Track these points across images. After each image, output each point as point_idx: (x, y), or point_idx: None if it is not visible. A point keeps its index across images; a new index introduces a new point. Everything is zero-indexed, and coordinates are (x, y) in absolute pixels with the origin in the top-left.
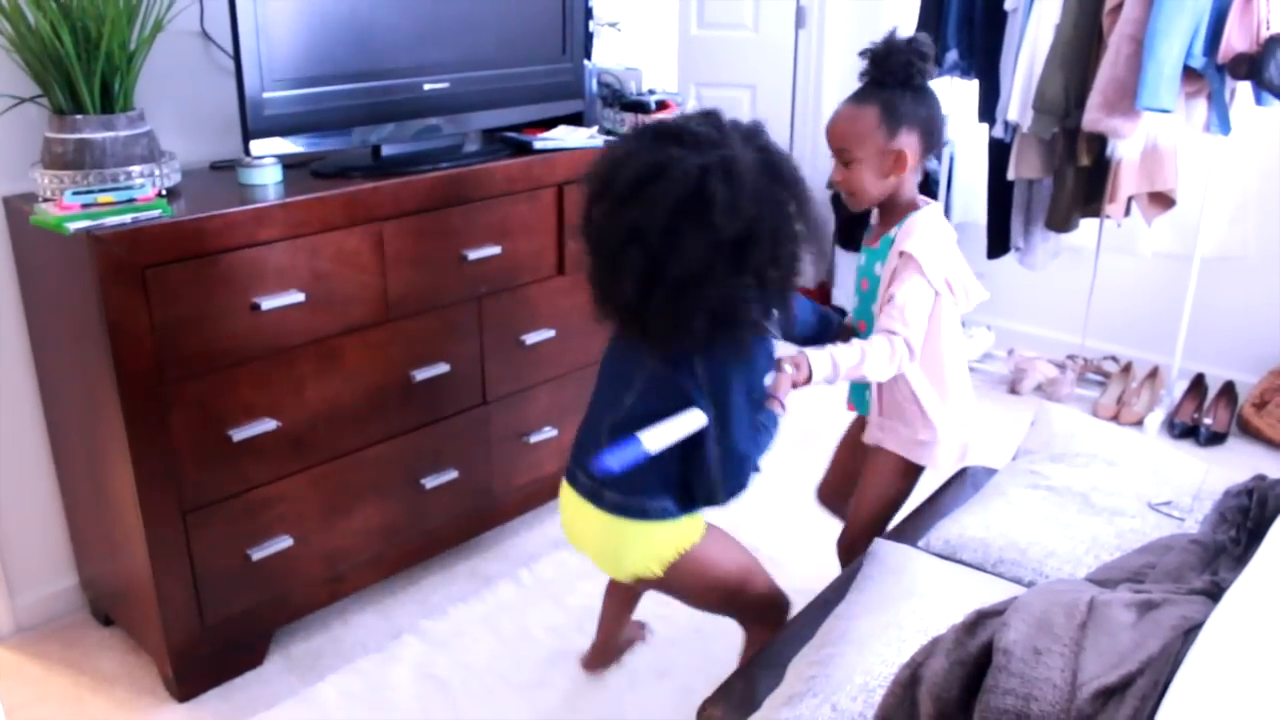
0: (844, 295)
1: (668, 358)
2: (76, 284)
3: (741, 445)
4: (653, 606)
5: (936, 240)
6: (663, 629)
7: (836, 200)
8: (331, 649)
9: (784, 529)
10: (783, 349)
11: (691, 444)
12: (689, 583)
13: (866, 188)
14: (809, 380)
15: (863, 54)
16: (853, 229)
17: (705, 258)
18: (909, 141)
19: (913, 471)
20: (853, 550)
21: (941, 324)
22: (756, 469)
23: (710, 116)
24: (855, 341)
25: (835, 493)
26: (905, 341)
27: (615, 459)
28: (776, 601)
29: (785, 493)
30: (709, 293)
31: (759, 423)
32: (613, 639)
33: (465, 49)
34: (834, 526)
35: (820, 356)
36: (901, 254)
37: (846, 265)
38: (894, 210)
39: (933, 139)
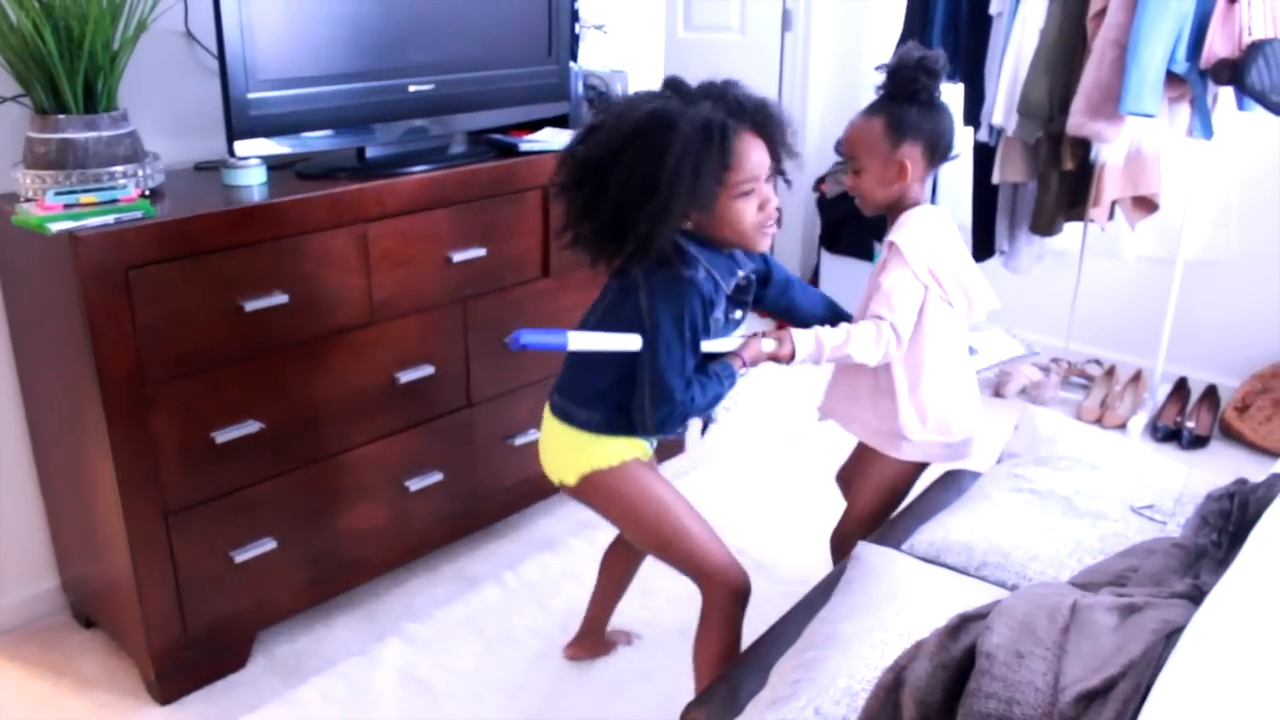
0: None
1: (622, 287)
2: (58, 285)
3: (667, 376)
4: (637, 610)
5: (926, 235)
6: (647, 633)
7: (821, 203)
8: (315, 651)
9: (770, 530)
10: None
11: (631, 369)
12: (604, 507)
13: (872, 194)
14: (792, 356)
15: (878, 69)
16: (837, 233)
17: (643, 184)
18: (912, 153)
19: (909, 471)
20: (844, 544)
21: (925, 319)
22: (704, 415)
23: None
24: (843, 325)
25: (847, 480)
26: (891, 326)
27: (531, 337)
28: (722, 575)
29: (772, 494)
30: (640, 214)
31: (712, 372)
32: (598, 624)
33: (451, 51)
34: (820, 528)
35: (805, 334)
36: (889, 245)
37: (829, 266)
38: (899, 216)
39: (937, 152)
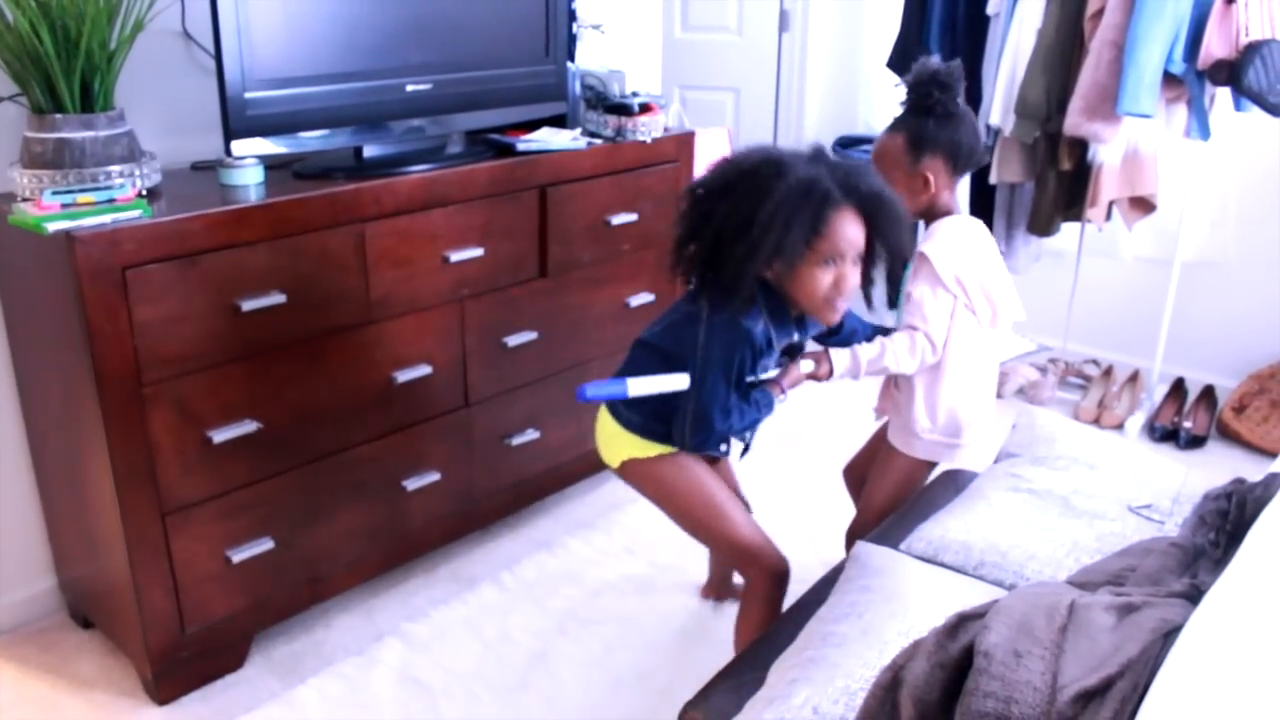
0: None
1: (689, 312)
2: (55, 285)
3: (709, 409)
4: (634, 609)
5: (954, 245)
6: (645, 632)
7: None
8: (313, 651)
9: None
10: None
11: (676, 393)
12: (646, 491)
13: (905, 204)
14: (830, 374)
15: (898, 85)
16: None
17: (740, 223)
18: (934, 165)
19: (921, 468)
20: (858, 538)
21: (951, 327)
22: (741, 437)
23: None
24: (878, 338)
25: (854, 476)
26: (925, 335)
27: (595, 389)
28: (759, 559)
29: (770, 494)
30: (732, 250)
31: (752, 399)
32: (725, 575)
33: (448, 50)
34: (819, 527)
35: (841, 352)
36: (919, 255)
37: None
38: (931, 225)
39: (959, 160)
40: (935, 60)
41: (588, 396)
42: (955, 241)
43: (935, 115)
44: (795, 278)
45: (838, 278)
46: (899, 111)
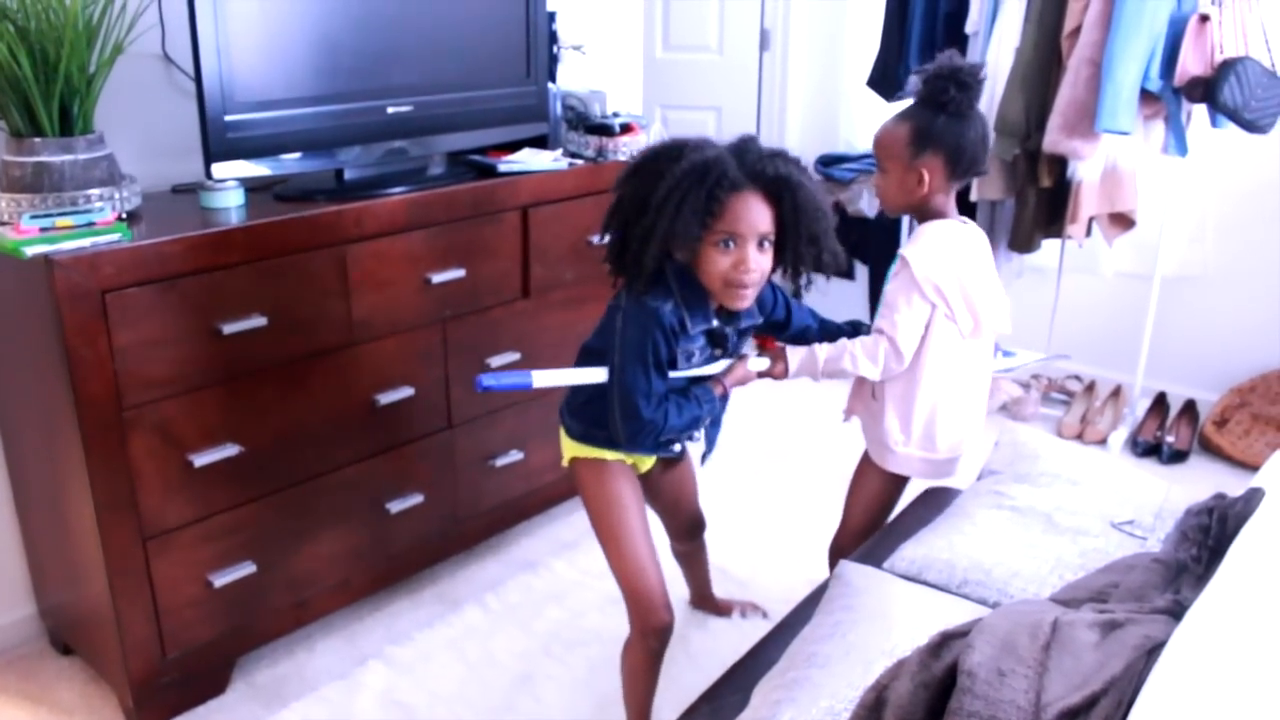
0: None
1: (613, 304)
2: (34, 309)
3: (631, 395)
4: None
5: (937, 250)
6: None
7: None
8: (296, 676)
9: (753, 549)
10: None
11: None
12: (580, 495)
13: (891, 198)
14: (785, 373)
15: (914, 72)
16: None
17: (639, 205)
18: (932, 164)
19: (892, 482)
20: (838, 557)
21: (928, 334)
22: (689, 436)
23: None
24: (841, 340)
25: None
26: (890, 340)
27: (494, 379)
28: (638, 604)
29: (754, 513)
30: (632, 233)
31: (692, 394)
32: (698, 585)
33: (429, 72)
34: (803, 547)
35: (798, 350)
36: (900, 257)
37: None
38: (922, 224)
39: (960, 165)
40: (957, 56)
41: (484, 386)
42: (938, 246)
43: (946, 112)
44: (698, 260)
45: (737, 260)
46: (910, 101)
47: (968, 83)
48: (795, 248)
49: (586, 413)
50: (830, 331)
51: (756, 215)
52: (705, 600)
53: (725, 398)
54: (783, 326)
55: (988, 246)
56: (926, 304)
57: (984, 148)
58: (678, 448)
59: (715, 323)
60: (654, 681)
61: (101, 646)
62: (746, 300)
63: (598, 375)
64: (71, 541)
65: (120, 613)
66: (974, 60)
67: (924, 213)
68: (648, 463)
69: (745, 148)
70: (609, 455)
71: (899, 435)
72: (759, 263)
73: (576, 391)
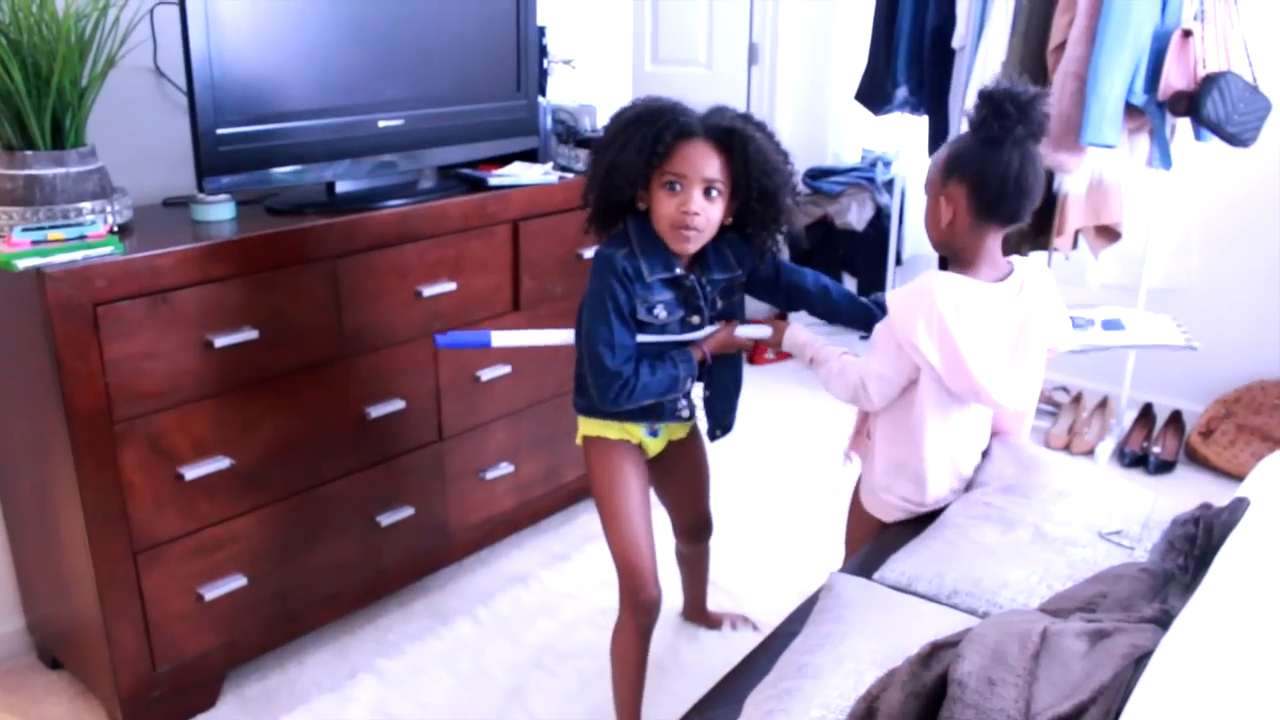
0: None
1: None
2: (26, 322)
3: (595, 346)
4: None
5: (923, 305)
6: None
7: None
8: (286, 690)
9: (745, 562)
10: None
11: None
12: (587, 472)
13: (928, 228)
14: (779, 342)
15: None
16: (804, 264)
17: (596, 149)
18: (956, 193)
19: (875, 523)
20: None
21: (921, 387)
22: (653, 395)
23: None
24: (839, 352)
25: None
26: (859, 371)
27: (453, 337)
28: (630, 579)
29: (748, 526)
30: (588, 182)
31: (668, 356)
32: (694, 595)
33: (420, 86)
34: (796, 561)
35: (803, 331)
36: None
37: None
38: (952, 266)
39: (984, 198)
40: (1013, 81)
41: (441, 343)
42: (927, 300)
43: (978, 136)
44: (650, 203)
45: (682, 201)
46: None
47: (1005, 109)
48: (747, 201)
49: (584, 387)
50: (853, 309)
51: (703, 160)
52: (697, 613)
53: (706, 364)
54: (773, 284)
55: (1033, 307)
56: (904, 358)
57: (1018, 188)
58: (684, 416)
59: (678, 271)
60: (643, 673)
61: (91, 660)
62: (691, 244)
63: (560, 336)
64: (61, 554)
65: (110, 626)
66: (960, 75)
67: (955, 255)
68: (656, 446)
69: (711, 108)
70: (613, 434)
71: (884, 480)
72: (704, 207)
73: (579, 367)
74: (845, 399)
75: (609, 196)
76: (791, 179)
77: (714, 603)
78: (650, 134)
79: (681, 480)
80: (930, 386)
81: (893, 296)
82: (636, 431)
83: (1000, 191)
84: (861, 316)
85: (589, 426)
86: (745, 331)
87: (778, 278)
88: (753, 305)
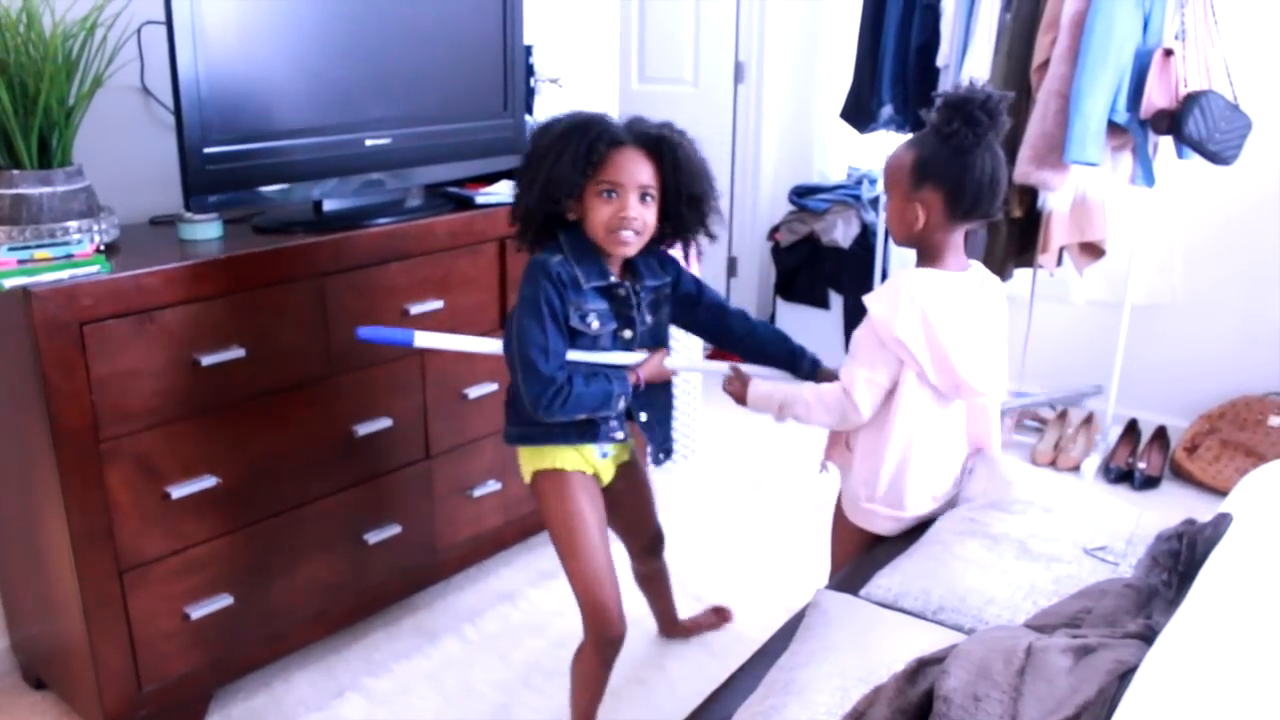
0: None
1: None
2: (12, 340)
3: (527, 351)
4: None
5: (904, 301)
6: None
7: (776, 252)
8: (273, 709)
9: (731, 578)
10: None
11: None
12: (540, 508)
13: (894, 228)
14: (743, 398)
15: (935, 95)
16: (791, 281)
17: (525, 162)
18: (930, 199)
19: (861, 536)
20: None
21: (901, 390)
22: (587, 408)
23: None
24: (805, 386)
25: None
26: (845, 390)
27: (372, 331)
28: (593, 614)
29: (733, 542)
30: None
31: (602, 373)
32: (662, 611)
33: (407, 105)
34: (783, 576)
35: (760, 383)
36: (866, 304)
37: (785, 314)
38: (919, 260)
39: (960, 204)
40: (980, 87)
41: (362, 335)
42: (906, 296)
43: (949, 145)
44: (584, 213)
45: (619, 207)
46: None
47: (976, 117)
48: (677, 208)
49: (518, 408)
50: (764, 340)
51: (637, 167)
52: (673, 626)
53: (639, 389)
54: (695, 302)
55: (994, 298)
56: (890, 357)
57: (992, 189)
58: (618, 437)
59: (613, 278)
60: (604, 687)
61: (76, 680)
62: (630, 247)
63: (488, 345)
64: (46, 574)
65: (95, 645)
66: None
67: (922, 250)
68: (609, 472)
69: (633, 118)
70: (567, 463)
71: (863, 489)
72: (640, 212)
73: (508, 394)
74: (832, 423)
75: (545, 209)
76: (715, 183)
77: (689, 609)
78: (584, 144)
79: (632, 504)
80: (910, 388)
81: (872, 297)
82: (591, 455)
83: (977, 197)
84: (787, 357)
85: (538, 459)
86: (671, 363)
87: (700, 295)
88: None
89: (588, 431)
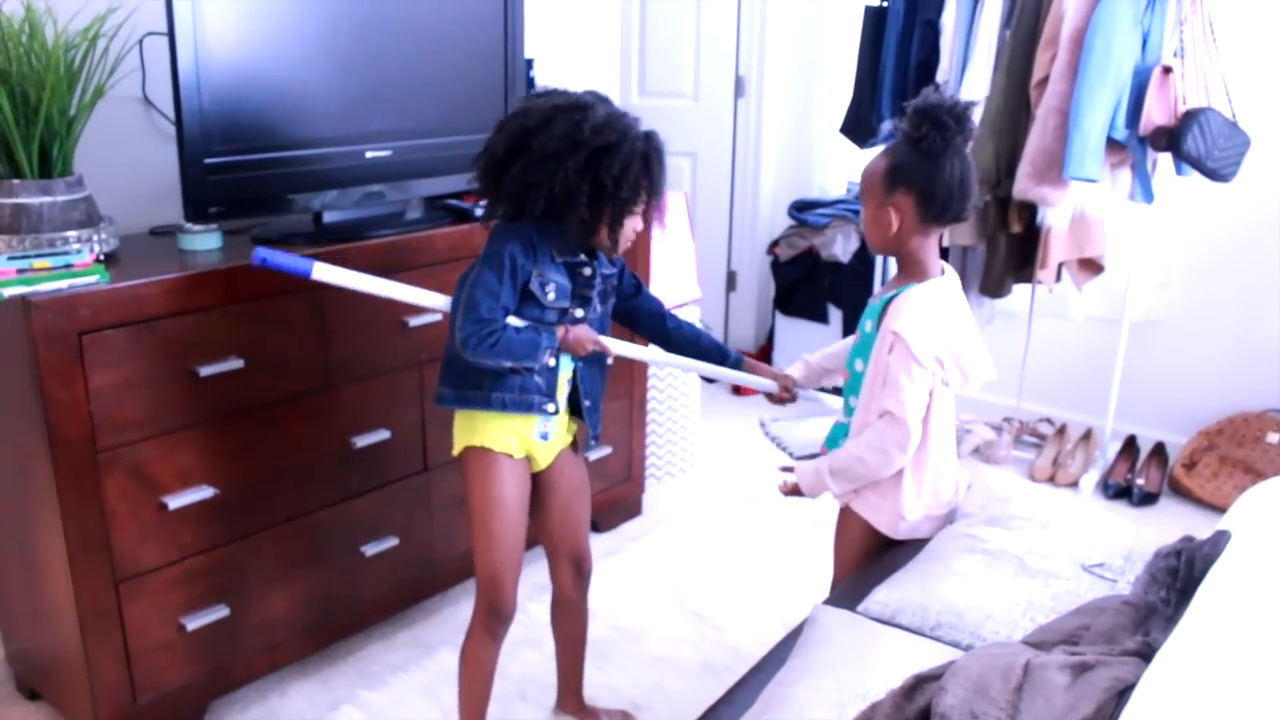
0: (784, 359)
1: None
2: (10, 350)
3: (477, 293)
4: (598, 675)
5: (926, 318)
6: (603, 697)
7: (775, 266)
8: None
9: (728, 594)
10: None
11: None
12: (464, 483)
13: (871, 234)
14: (798, 489)
15: (904, 104)
16: (790, 295)
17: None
18: (902, 203)
19: (881, 542)
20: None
21: (931, 401)
22: (513, 356)
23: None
24: (847, 445)
25: None
26: (901, 422)
27: (270, 254)
28: (486, 586)
29: (729, 557)
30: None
31: (534, 326)
32: (567, 670)
33: (408, 117)
34: (778, 592)
35: (805, 468)
36: (893, 334)
37: (784, 328)
38: (902, 271)
39: (932, 207)
40: (943, 92)
41: (258, 258)
42: (928, 315)
43: (920, 150)
44: (606, 223)
45: (636, 224)
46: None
47: (944, 122)
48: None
49: (454, 369)
50: (693, 336)
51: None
52: (572, 700)
53: (565, 345)
54: (634, 295)
55: (961, 294)
56: (927, 374)
57: (961, 192)
58: (549, 409)
59: (582, 256)
60: (492, 675)
61: (70, 691)
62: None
63: (406, 293)
64: (42, 584)
65: (90, 657)
66: None
67: (901, 256)
68: (546, 456)
69: (652, 132)
70: (495, 442)
71: (914, 503)
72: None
73: (445, 354)
74: (896, 460)
75: (568, 203)
76: None
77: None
78: (651, 180)
79: (562, 502)
80: (936, 393)
81: (902, 324)
82: (527, 435)
83: (947, 199)
84: (714, 350)
85: (471, 432)
86: (611, 344)
87: (638, 290)
88: None
89: (521, 401)
